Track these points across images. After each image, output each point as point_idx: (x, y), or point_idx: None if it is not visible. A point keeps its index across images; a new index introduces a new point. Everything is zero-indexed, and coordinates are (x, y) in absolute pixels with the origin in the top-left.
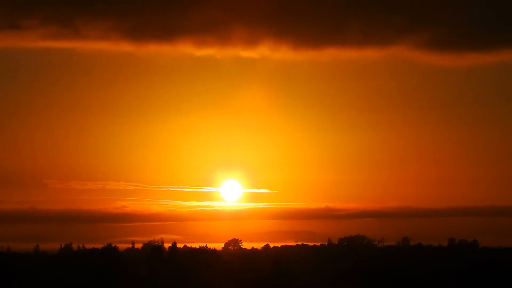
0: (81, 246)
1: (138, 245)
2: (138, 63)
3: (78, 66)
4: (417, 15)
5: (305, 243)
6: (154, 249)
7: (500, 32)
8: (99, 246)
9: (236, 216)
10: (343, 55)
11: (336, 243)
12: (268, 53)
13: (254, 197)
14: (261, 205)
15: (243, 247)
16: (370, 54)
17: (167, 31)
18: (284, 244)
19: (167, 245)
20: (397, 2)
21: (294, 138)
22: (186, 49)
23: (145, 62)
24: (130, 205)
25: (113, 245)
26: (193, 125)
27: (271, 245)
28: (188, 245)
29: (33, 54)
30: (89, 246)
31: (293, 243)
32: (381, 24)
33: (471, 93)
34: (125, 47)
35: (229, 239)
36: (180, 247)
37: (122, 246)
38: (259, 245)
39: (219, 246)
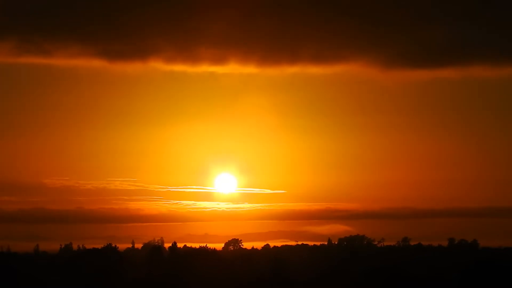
0: (81, 246)
1: (138, 245)
2: (116, 78)
3: (59, 80)
4: (368, 38)
5: (305, 243)
6: (154, 249)
7: (444, 53)
8: (99, 246)
9: (236, 216)
10: (304, 70)
11: (336, 243)
12: (236, 68)
13: (254, 198)
14: (261, 205)
15: (243, 247)
16: (330, 70)
17: (138, 51)
18: (284, 244)
19: (167, 245)
20: (351, 25)
21: (294, 140)
22: (157, 66)
23: (122, 77)
24: (130, 205)
25: (113, 245)
26: (193, 128)
27: (271, 245)
28: (188, 245)
29: (24, 68)
30: (89, 246)
31: (293, 243)
32: (335, 45)
33: (460, 102)
34: (99, 64)
35: (229, 239)
36: (180, 247)
37: (122, 246)
38: (259, 245)
39: (219, 246)
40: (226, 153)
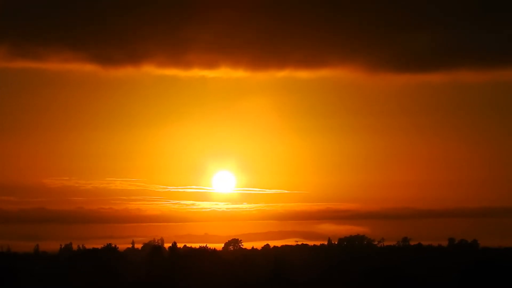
0: (81, 246)
1: (138, 245)
2: (109, 82)
3: (55, 84)
4: (355, 43)
5: (305, 243)
6: (154, 249)
7: (430, 58)
8: (99, 246)
9: (236, 216)
10: (293, 75)
11: (336, 243)
12: (227, 73)
13: (254, 198)
14: (261, 205)
15: (243, 247)
16: (317, 75)
17: (131, 56)
18: (284, 244)
19: (167, 245)
20: (339, 31)
21: (291, 141)
22: (150, 70)
23: (115, 81)
24: (130, 205)
25: (113, 245)
26: (189, 129)
27: (271, 245)
28: (188, 245)
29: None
30: (89, 246)
31: (293, 243)
32: (323, 50)
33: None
34: (92, 69)
35: (229, 239)
36: (180, 247)
37: (122, 246)
38: (259, 245)
39: (219, 246)
40: (224, 154)
